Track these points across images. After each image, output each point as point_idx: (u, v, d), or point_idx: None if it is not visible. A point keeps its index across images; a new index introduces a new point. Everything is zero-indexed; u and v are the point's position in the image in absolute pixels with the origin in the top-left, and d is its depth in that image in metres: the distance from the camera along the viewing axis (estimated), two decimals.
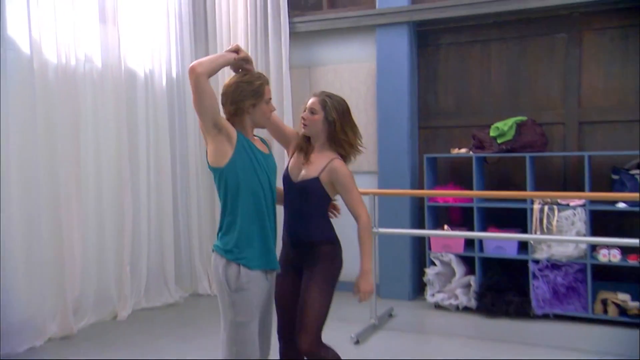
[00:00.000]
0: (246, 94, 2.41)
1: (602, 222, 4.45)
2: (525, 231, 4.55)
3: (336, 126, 2.54)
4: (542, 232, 4.38)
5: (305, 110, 2.61)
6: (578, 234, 4.27)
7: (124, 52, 4.78)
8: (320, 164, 2.55)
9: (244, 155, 2.39)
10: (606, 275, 4.45)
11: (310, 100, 2.60)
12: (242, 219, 2.40)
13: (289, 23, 5.24)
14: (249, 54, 5.19)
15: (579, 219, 4.27)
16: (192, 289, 5.48)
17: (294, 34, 5.28)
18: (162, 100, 5.13)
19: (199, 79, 2.23)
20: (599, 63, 4.66)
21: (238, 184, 2.38)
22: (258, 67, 5.27)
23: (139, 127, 4.91)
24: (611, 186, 4.37)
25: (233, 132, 2.37)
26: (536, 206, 4.41)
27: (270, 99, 2.51)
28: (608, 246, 4.18)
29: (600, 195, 4.02)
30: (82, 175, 4.45)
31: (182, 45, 5.34)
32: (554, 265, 4.41)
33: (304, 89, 5.28)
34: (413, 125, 5.10)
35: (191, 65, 2.27)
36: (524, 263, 4.53)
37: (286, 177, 2.65)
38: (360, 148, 2.61)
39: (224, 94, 2.46)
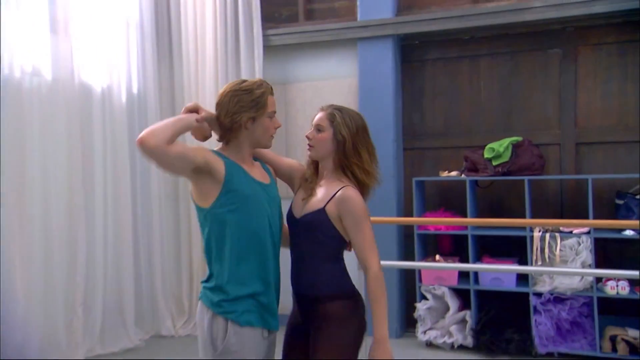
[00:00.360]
0: (244, 105, 1.99)
1: (606, 250, 4.12)
2: (523, 260, 4.18)
3: (346, 146, 2.05)
4: (544, 263, 4.02)
5: (311, 129, 2.15)
6: (584, 264, 3.92)
7: (78, 65, 4.26)
8: (328, 192, 2.06)
9: (235, 191, 1.95)
10: (613, 309, 4.10)
11: (317, 116, 2.14)
12: (233, 265, 1.96)
13: (263, 36, 4.83)
14: (218, 69, 4.92)
15: (584, 248, 3.92)
16: (155, 329, 4.89)
17: (268, 48, 4.86)
18: (121, 119, 4.59)
19: (154, 153, 1.82)
20: (596, 80, 4.38)
21: (227, 226, 1.95)
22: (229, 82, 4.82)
23: (94, 147, 4.37)
24: (615, 211, 4.05)
25: (218, 165, 1.94)
26: (537, 234, 4.05)
27: (275, 112, 2.06)
28: (615, 277, 3.84)
29: (612, 223, 3.67)
30: (27, 202, 3.88)
31: (143, 59, 4.84)
32: (557, 298, 4.04)
33: (280, 107, 4.74)
34: (398, 146, 4.72)
35: (140, 137, 1.81)
36: (524, 296, 4.15)
37: (290, 214, 2.17)
38: (376, 177, 2.11)
39: (218, 104, 2.04)
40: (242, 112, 1.99)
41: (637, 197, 3.91)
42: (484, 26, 4.44)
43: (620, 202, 4.00)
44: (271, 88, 2.07)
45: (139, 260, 4.80)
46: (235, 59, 4.87)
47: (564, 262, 3.97)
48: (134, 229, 4.71)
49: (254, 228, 1.98)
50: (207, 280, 2.04)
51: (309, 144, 2.13)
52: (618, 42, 4.31)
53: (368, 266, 2.00)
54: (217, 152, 2.06)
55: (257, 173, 2.08)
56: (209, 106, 5.01)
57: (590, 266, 3.91)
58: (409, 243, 4.61)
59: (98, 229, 4.39)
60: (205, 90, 4.91)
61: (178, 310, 5.03)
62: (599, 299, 3.95)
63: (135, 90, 4.76)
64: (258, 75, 4.76)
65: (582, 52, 4.41)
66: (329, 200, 2.04)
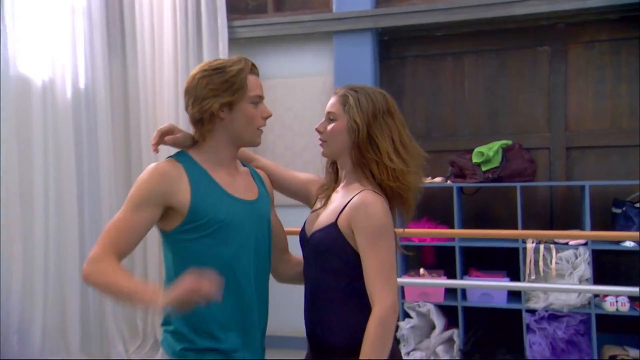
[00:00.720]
0: (215, 87, 1.55)
1: (604, 262, 3.83)
2: (514, 273, 3.85)
3: (359, 136, 1.60)
4: (538, 277, 3.69)
5: (323, 119, 1.71)
6: (581, 278, 3.61)
7: (13, 55, 3.69)
8: (343, 201, 1.61)
9: (204, 217, 1.53)
10: (611, 326, 3.80)
11: (329, 102, 1.70)
12: (199, 307, 1.49)
13: (228, 27, 4.36)
14: (177, 63, 4.41)
15: (582, 260, 3.62)
16: (103, 354, 4.33)
17: (233, 41, 4.39)
18: (65, 116, 4.03)
19: (96, 285, 1.51)
20: (588, 80, 4.11)
21: (192, 256, 1.52)
22: None
23: (33, 149, 3.80)
24: (613, 221, 3.76)
25: (180, 196, 1.53)
26: (530, 245, 3.72)
27: (261, 97, 1.63)
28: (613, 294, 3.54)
29: (615, 234, 3.36)
30: None
31: (92, 50, 4.29)
32: (552, 315, 3.71)
33: None
34: None
35: (83, 268, 1.52)
36: (517, 313, 3.81)
37: (302, 232, 1.73)
38: (411, 180, 1.62)
39: (186, 92, 1.60)
40: (212, 96, 1.55)
41: (637, 205, 3.63)
42: (469, 20, 4.09)
43: (618, 210, 3.72)
44: (253, 66, 1.63)
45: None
46: (197, 52, 4.38)
47: (561, 276, 3.65)
48: (80, 242, 4.15)
49: (228, 259, 1.55)
50: (166, 323, 1.60)
51: (320, 139, 1.68)
52: (611, 40, 4.05)
53: (375, 302, 1.51)
54: (180, 158, 1.61)
55: (240, 185, 1.64)
56: (168, 105, 4.52)
57: (587, 280, 3.61)
58: None
59: (37, 244, 3.82)
60: (163, 86, 4.40)
61: (131, 333, 4.48)
62: (597, 316, 3.65)
63: (82, 84, 4.20)
64: None
65: (573, 50, 4.13)
66: (342, 210, 1.58)
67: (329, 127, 1.66)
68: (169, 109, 4.35)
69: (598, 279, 3.65)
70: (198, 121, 1.59)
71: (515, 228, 3.83)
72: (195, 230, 1.53)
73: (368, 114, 1.61)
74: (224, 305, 1.52)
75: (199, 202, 1.54)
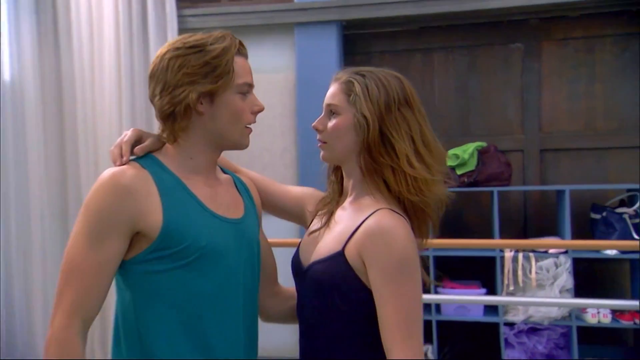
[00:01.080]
0: (191, 72, 1.20)
1: (583, 270, 3.64)
2: (491, 284, 3.61)
3: (369, 135, 1.25)
4: (517, 287, 3.46)
5: (322, 114, 1.36)
6: (563, 289, 3.40)
7: None
8: (352, 222, 1.26)
9: (178, 243, 1.17)
10: (592, 339, 3.62)
11: (329, 91, 1.35)
12: (160, 346, 1.16)
13: (178, 17, 3.94)
14: (120, 56, 3.93)
15: (563, 270, 3.41)
16: (104, 353, 3.85)
17: (184, 32, 3.86)
18: None
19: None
20: (562, 79, 3.92)
21: (161, 292, 1.17)
22: (134, 76, 3.88)
23: None
24: (591, 227, 3.58)
25: (151, 217, 1.17)
26: (508, 254, 3.49)
27: (251, 85, 1.27)
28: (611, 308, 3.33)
29: (612, 243, 3.14)
30: None
31: (18, 39, 3.78)
32: (532, 329, 3.49)
33: None
34: None
35: (46, 342, 1.16)
36: (494, 327, 3.57)
37: (296, 259, 1.37)
38: (437, 191, 1.28)
39: (151, 76, 1.23)
40: (188, 83, 1.20)
41: (617, 210, 3.46)
42: (439, 14, 3.83)
43: (597, 216, 3.54)
44: (241, 45, 1.27)
45: (11, 290, 3.73)
46: (142, 44, 3.93)
47: (541, 286, 3.43)
48: (5, 253, 3.63)
49: (210, 297, 1.20)
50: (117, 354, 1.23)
51: (318, 139, 1.33)
52: (585, 37, 3.87)
53: (392, 356, 1.16)
54: (145, 162, 1.24)
55: (223, 198, 1.28)
56: (110, 103, 4.02)
57: (569, 291, 3.40)
58: None
59: None
60: (104, 82, 3.91)
61: None
62: (578, 328, 3.45)
63: (7, 76, 3.69)
64: None
65: (547, 48, 3.94)
66: (351, 235, 1.23)
67: (330, 123, 1.31)
68: (110, 107, 3.87)
69: (580, 288, 3.46)
70: (168, 116, 1.22)
71: (490, 235, 3.60)
72: (166, 260, 1.17)
73: (380, 106, 1.26)
74: (206, 354, 1.17)
75: (174, 223, 1.17)
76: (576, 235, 3.52)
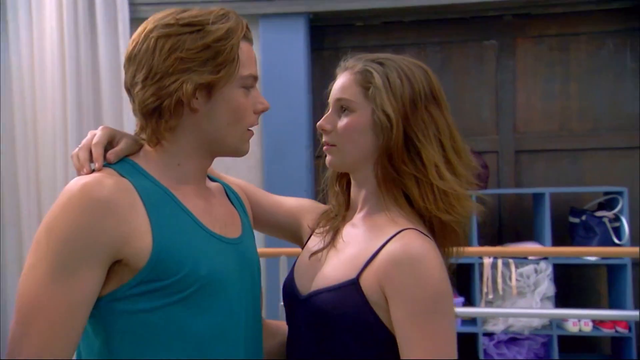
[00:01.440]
0: (188, 56, 0.95)
1: (560, 276, 3.51)
2: (467, 292, 3.45)
3: (392, 138, 1.03)
4: (496, 296, 3.31)
5: (328, 110, 1.13)
6: (544, 296, 3.26)
7: None
8: (368, 243, 1.04)
9: (174, 273, 0.91)
10: (572, 348, 3.50)
11: (337, 82, 1.11)
12: None
13: (129, 5, 3.60)
14: (64, 48, 3.53)
15: (544, 276, 3.27)
16: None
17: (136, 22, 3.61)
18: None
19: None
20: (536, 78, 3.80)
21: (147, 334, 0.91)
22: (80, 70, 3.52)
23: None
24: (570, 231, 3.46)
25: (136, 238, 0.90)
26: (487, 260, 3.32)
27: (255, 78, 1.02)
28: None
29: (612, 250, 3.02)
30: None
31: None
32: (512, 339, 3.34)
33: None
34: (311, 154, 3.76)
35: None
36: (472, 338, 3.40)
37: (289, 286, 1.13)
38: (469, 206, 1.08)
39: (130, 59, 0.99)
40: (183, 71, 0.95)
41: (597, 214, 3.35)
42: (412, 8, 3.64)
43: (576, 220, 3.42)
44: (245, 27, 1.01)
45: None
46: (90, 35, 3.57)
47: (522, 294, 3.28)
48: None
49: (208, 338, 0.94)
50: None
51: (325, 141, 1.11)
52: (560, 35, 3.76)
53: None
54: (124, 169, 0.98)
55: (218, 213, 1.05)
56: (53, 101, 3.63)
57: (549, 299, 3.27)
58: None
59: None
60: (46, 79, 3.52)
61: None
62: (559, 337, 3.32)
63: None
64: (122, 60, 3.49)
65: (521, 45, 3.81)
66: (370, 260, 1.01)
67: (341, 122, 1.09)
68: (53, 105, 3.48)
69: (560, 296, 3.33)
70: (152, 111, 0.97)
71: (468, 240, 3.43)
72: (156, 295, 0.91)
73: (405, 102, 1.05)
74: None
75: (167, 246, 0.92)
76: (555, 239, 3.39)
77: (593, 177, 3.63)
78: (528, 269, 3.30)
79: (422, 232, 1.03)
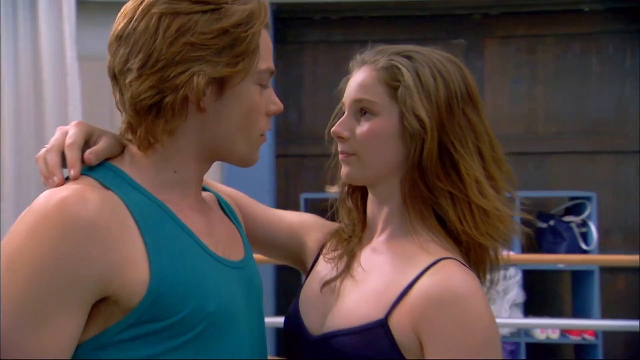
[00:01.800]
0: (202, 44, 0.73)
1: (527, 282, 3.47)
2: None
3: (425, 147, 0.86)
4: None
5: (342, 114, 0.94)
6: (513, 303, 3.20)
7: None
8: (396, 276, 0.86)
9: (178, 305, 0.70)
10: (540, 355, 3.45)
11: (354, 79, 0.94)
12: None
13: None
14: (1, 37, 3.19)
15: (513, 283, 3.21)
16: None
17: (83, 5, 3.32)
18: None
19: None
20: (504, 79, 3.74)
21: None
22: (19, 59, 3.19)
23: None
24: (538, 236, 3.41)
25: (130, 269, 0.68)
26: None
27: (273, 72, 0.81)
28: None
29: (608, 258, 2.96)
30: None
31: None
32: None
33: (104, 94, 3.31)
34: (272, 153, 3.57)
35: None
36: None
37: (294, 324, 0.94)
38: (512, 227, 0.90)
39: (120, 38, 0.75)
40: (194, 60, 0.74)
41: (564, 219, 3.31)
42: (379, 3, 3.52)
43: (544, 225, 3.38)
44: (266, 10, 0.80)
45: None
46: (30, 19, 3.23)
47: (491, 300, 3.19)
48: None
49: None
50: None
51: (341, 150, 0.92)
52: (527, 36, 3.71)
53: None
54: (106, 178, 0.77)
55: (219, 230, 0.86)
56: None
57: (518, 306, 3.21)
58: (289, 290, 3.45)
59: None
60: None
61: None
62: (526, 345, 3.27)
63: None
64: (69, 45, 3.18)
65: (489, 45, 3.74)
66: (400, 297, 0.83)
67: (361, 128, 0.91)
68: None
69: (528, 302, 3.28)
70: (149, 108, 0.76)
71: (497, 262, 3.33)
72: (154, 339, 0.72)
73: (440, 104, 0.88)
74: None
75: (169, 277, 0.73)
76: (523, 245, 3.33)
77: (558, 181, 3.60)
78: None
79: (462, 263, 0.87)
